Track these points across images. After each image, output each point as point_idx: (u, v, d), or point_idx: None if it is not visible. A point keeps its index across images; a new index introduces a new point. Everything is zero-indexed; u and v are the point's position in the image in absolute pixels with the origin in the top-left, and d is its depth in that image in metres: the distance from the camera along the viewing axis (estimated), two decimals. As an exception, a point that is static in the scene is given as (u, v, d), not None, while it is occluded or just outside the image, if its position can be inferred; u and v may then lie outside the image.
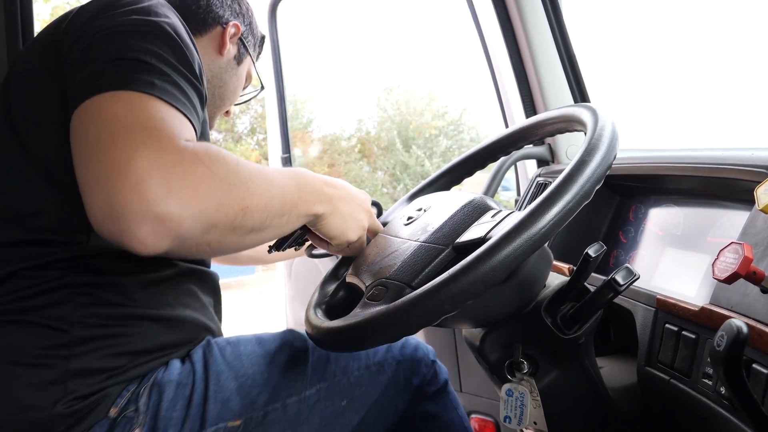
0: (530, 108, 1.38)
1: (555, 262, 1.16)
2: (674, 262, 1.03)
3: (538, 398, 0.86)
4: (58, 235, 0.79)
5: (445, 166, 1.10)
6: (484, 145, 1.04)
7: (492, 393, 1.52)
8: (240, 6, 1.15)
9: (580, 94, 1.35)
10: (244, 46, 1.14)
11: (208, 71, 1.09)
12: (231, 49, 1.11)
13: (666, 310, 0.87)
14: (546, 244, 0.91)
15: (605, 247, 0.78)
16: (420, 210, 0.92)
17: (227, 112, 1.20)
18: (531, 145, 1.47)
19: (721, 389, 0.74)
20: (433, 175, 1.11)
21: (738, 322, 0.59)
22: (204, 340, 0.90)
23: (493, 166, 1.37)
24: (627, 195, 1.21)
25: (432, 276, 0.72)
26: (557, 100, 1.35)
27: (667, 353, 0.86)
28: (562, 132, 0.93)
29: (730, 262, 0.68)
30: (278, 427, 0.86)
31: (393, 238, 0.89)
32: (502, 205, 0.86)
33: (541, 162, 1.42)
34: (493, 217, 0.79)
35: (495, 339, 0.88)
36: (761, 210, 0.70)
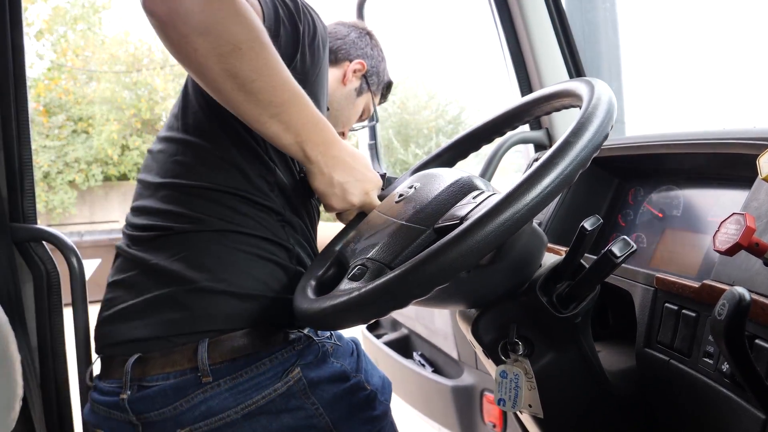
0: (526, 88, 1.35)
1: (552, 245, 1.13)
2: (674, 243, 1.01)
3: (533, 380, 0.83)
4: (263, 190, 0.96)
5: (443, 145, 1.08)
6: (483, 123, 1.01)
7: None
8: (372, 50, 1.37)
9: (576, 73, 1.33)
10: (366, 83, 1.35)
11: (331, 95, 1.31)
12: (354, 81, 1.33)
13: (665, 289, 0.85)
14: (541, 226, 0.88)
15: (601, 221, 0.75)
16: (411, 188, 0.89)
17: (342, 134, 1.37)
18: (529, 130, 1.45)
19: (723, 367, 0.72)
20: (434, 152, 1.09)
21: (740, 289, 0.56)
22: None
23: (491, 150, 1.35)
24: (625, 178, 1.18)
25: (410, 257, 0.70)
26: (554, 79, 1.33)
27: (666, 333, 0.83)
28: (559, 109, 0.91)
29: (731, 234, 0.66)
30: None
31: (382, 215, 0.87)
32: (491, 186, 0.83)
33: (539, 147, 1.40)
34: (474, 198, 0.76)
35: (489, 320, 0.86)
36: (764, 179, 0.68)
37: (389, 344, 2.09)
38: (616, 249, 0.71)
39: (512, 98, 1.47)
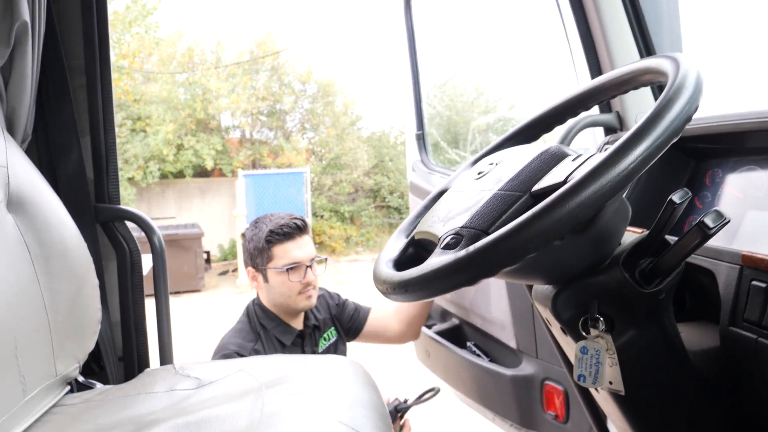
0: (596, 70, 1.33)
1: (628, 228, 1.12)
2: (757, 223, 0.98)
3: (615, 356, 0.83)
4: None
5: (511, 130, 1.07)
6: (563, 100, 0.99)
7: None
8: (249, 253, 1.75)
9: (647, 52, 1.30)
10: (261, 268, 1.71)
11: (268, 300, 1.74)
12: (259, 280, 1.73)
13: (753, 266, 0.83)
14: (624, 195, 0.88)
15: (690, 194, 0.74)
16: (491, 164, 0.89)
17: (307, 288, 1.72)
18: (599, 113, 1.43)
19: (819, 342, 0.70)
20: (498, 139, 1.08)
21: None
22: None
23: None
24: (702, 158, 1.16)
25: (508, 223, 0.71)
26: (624, 58, 1.30)
27: (754, 311, 0.82)
28: (639, 87, 0.90)
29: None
30: None
31: (463, 192, 0.87)
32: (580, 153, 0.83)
33: (609, 130, 1.38)
34: (573, 161, 0.76)
35: (568, 296, 0.85)
36: None
37: (441, 334, 2.09)
38: (708, 220, 0.70)
39: (575, 84, 1.45)
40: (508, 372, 1.76)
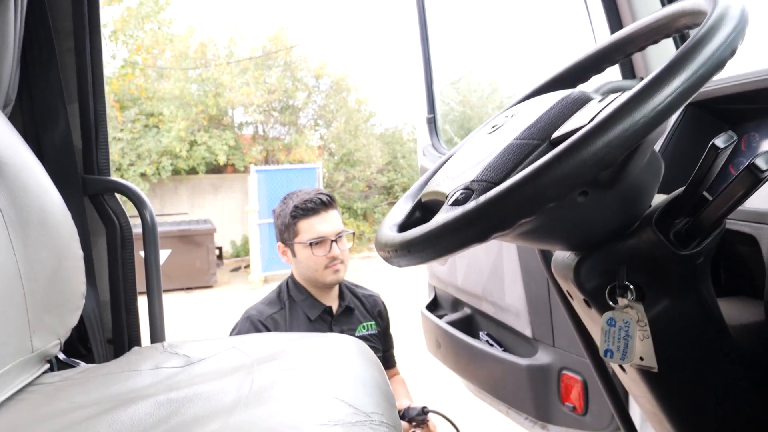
0: (617, 24, 1.23)
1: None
2: (803, 186, 0.89)
3: (647, 328, 0.74)
4: None
5: (531, 89, 0.98)
6: (590, 52, 0.90)
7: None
8: (278, 229, 1.79)
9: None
10: (289, 242, 1.76)
11: (299, 273, 1.78)
12: (289, 255, 1.78)
13: (803, 227, 0.74)
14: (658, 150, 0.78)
15: (735, 137, 0.65)
16: (507, 116, 0.81)
17: (334, 263, 1.74)
18: (621, 79, 1.34)
19: None
20: (513, 102, 0.99)
21: None
22: None
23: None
24: (737, 122, 1.06)
25: None
26: (647, 11, 1.21)
27: (804, 277, 0.72)
28: (673, 33, 0.81)
29: None
30: None
31: (475, 147, 0.79)
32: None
33: (633, 97, 1.28)
34: (599, 102, 0.67)
35: (593, 263, 0.77)
36: None
37: (452, 324, 2.02)
38: (761, 162, 0.60)
39: (593, 44, 1.35)
40: (523, 362, 1.67)
